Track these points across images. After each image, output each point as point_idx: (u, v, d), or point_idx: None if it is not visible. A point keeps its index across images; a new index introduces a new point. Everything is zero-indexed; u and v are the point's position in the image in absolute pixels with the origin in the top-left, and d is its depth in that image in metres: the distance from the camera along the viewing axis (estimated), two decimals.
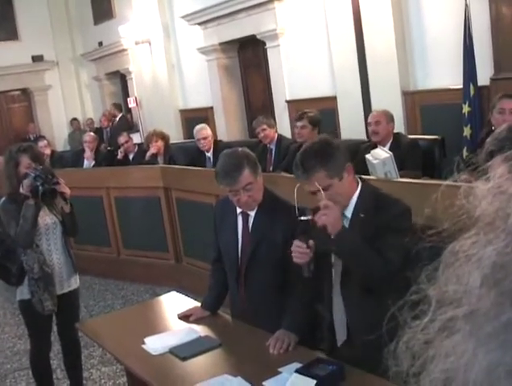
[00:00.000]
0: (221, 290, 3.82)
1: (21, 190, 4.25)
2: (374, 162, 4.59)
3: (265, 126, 7.26)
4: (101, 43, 15.04)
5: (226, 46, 10.96)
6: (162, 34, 12.30)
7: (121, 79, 15.30)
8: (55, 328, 4.65)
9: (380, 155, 4.63)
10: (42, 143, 9.00)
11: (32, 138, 13.81)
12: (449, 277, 0.62)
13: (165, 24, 12.27)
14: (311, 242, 3.02)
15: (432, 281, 0.64)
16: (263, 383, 2.82)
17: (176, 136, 11.52)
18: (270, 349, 3.15)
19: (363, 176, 3.34)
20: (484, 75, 6.47)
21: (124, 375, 4.46)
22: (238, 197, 3.44)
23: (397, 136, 5.81)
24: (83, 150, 8.97)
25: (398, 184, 4.33)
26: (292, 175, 5.64)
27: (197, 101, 12.01)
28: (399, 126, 6.66)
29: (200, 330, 3.53)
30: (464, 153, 6.29)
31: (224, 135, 10.53)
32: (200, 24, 10.98)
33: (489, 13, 6.39)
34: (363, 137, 7.23)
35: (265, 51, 10.03)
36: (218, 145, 7.62)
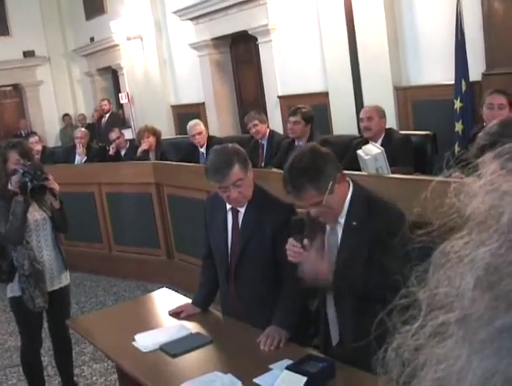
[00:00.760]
0: (212, 287, 3.81)
1: (9, 186, 4.23)
2: (366, 157, 4.58)
3: (256, 122, 7.24)
4: (92, 39, 15.00)
5: (218, 41, 10.94)
6: (153, 30, 12.28)
7: (113, 74, 15.27)
8: (46, 325, 4.64)
9: (371, 151, 4.62)
10: (33, 139, 8.96)
11: (23, 134, 13.76)
12: (440, 280, 0.60)
13: (157, 19, 12.25)
14: (305, 242, 3.01)
15: (422, 283, 0.62)
16: (254, 380, 2.81)
17: (168, 132, 11.50)
18: (261, 346, 3.14)
19: (355, 173, 3.32)
20: (476, 71, 6.47)
21: (115, 372, 4.45)
22: (228, 193, 3.43)
23: (389, 131, 5.80)
24: (74, 146, 8.93)
25: (390, 180, 4.33)
26: (283, 171, 5.65)
27: (189, 97, 11.99)
28: (391, 122, 6.66)
29: (190, 327, 3.52)
30: (456, 148, 6.29)
31: (216, 130, 10.51)
32: (191, 19, 10.95)
33: (480, 9, 6.39)
34: (355, 132, 7.23)
35: (257, 47, 10.01)
36: (212, 141, 7.59)
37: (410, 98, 7.62)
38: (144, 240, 7.42)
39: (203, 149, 7.60)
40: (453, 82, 6.53)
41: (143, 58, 12.64)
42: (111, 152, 8.66)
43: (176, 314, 3.72)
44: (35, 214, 4.39)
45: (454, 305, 0.57)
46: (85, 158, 8.77)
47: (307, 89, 9.01)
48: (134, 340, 3.38)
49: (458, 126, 6.37)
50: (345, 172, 3.18)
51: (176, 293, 4.16)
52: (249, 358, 3.07)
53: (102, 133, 12.50)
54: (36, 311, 4.35)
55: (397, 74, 7.69)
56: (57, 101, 16.35)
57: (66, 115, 15.72)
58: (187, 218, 6.71)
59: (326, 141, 6.34)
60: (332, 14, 8.05)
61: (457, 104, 6.41)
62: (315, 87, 8.91)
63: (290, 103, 8.70)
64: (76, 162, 8.74)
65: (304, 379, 2.74)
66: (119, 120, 13.71)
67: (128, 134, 10.56)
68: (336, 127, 8.37)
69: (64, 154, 9.32)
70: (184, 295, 4.22)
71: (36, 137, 9.31)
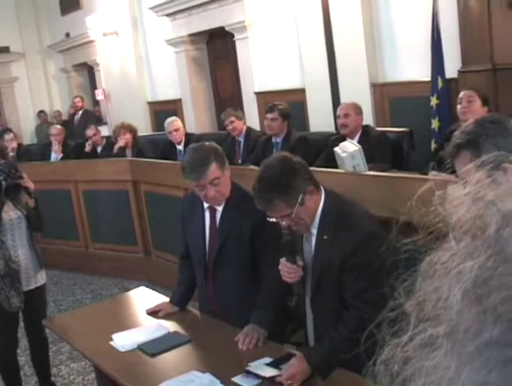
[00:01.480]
0: (190, 285, 3.80)
1: None
2: (343, 155, 4.59)
3: (233, 118, 7.24)
4: (68, 34, 14.86)
5: (195, 37, 10.89)
6: (130, 26, 12.19)
7: (89, 71, 15.13)
8: (22, 324, 4.60)
9: (348, 148, 4.63)
10: (8, 136, 8.89)
11: None
12: (427, 291, 0.59)
13: (133, 15, 12.15)
14: (300, 262, 3.02)
15: (410, 294, 0.61)
16: (233, 379, 2.81)
17: (145, 128, 11.44)
18: (239, 345, 3.14)
19: (332, 171, 3.31)
20: (452, 68, 6.50)
21: (93, 371, 4.42)
22: (205, 192, 3.42)
23: (366, 128, 5.82)
24: (50, 143, 8.87)
25: (367, 177, 4.34)
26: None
27: (166, 93, 11.93)
28: (368, 119, 6.67)
29: (168, 326, 3.51)
30: (432, 145, 6.33)
31: (192, 127, 10.47)
32: (168, 15, 10.89)
33: (456, 6, 6.41)
34: (332, 129, 7.24)
35: (234, 43, 9.98)
36: (189, 138, 7.57)
37: (387, 95, 7.65)
38: (121, 238, 7.38)
39: (180, 147, 7.57)
40: (430, 79, 6.56)
41: (119, 54, 12.55)
42: (87, 149, 8.61)
43: (154, 312, 3.71)
44: (10, 213, 4.35)
45: (442, 318, 0.57)
46: (61, 155, 8.71)
47: (284, 86, 9.00)
48: (111, 340, 3.37)
49: (434, 123, 6.40)
50: (322, 169, 3.18)
51: (154, 292, 4.14)
52: (227, 357, 3.07)
53: (75, 130, 12.41)
54: (12, 311, 4.31)
55: (374, 71, 7.71)
56: (32, 98, 16.18)
57: (41, 112, 15.57)
58: (164, 215, 6.69)
59: (303, 138, 6.36)
60: (309, 11, 8.05)
61: (434, 101, 6.44)
62: (292, 83, 8.91)
63: (267, 99, 8.70)
64: (52, 160, 8.67)
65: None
66: (93, 117, 13.59)
67: (104, 131, 10.50)
68: (312, 124, 8.38)
69: (39, 152, 9.25)
70: (162, 292, 4.21)
71: (11, 134, 9.23)
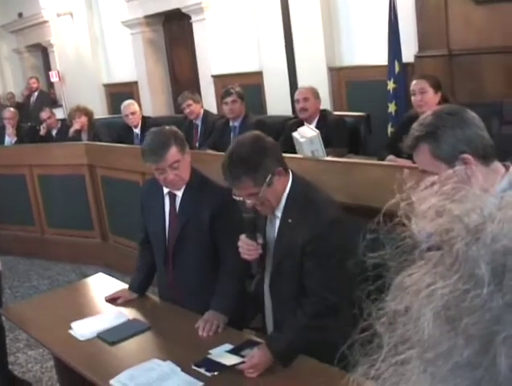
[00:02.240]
0: (149, 271, 3.79)
1: None
2: (301, 140, 4.59)
3: (190, 102, 7.21)
4: (20, 14, 14.54)
5: (151, 19, 10.76)
6: (84, 6, 11.96)
7: (43, 52, 14.87)
8: None
9: (307, 134, 4.64)
10: None
11: None
12: (398, 311, 0.59)
13: None
14: (260, 239, 3.02)
15: (380, 313, 0.61)
16: (193, 366, 2.81)
17: (101, 111, 11.31)
18: (200, 331, 3.15)
19: (290, 156, 3.31)
20: (408, 53, 6.53)
21: (51, 359, 4.38)
22: (165, 176, 3.41)
23: (324, 113, 5.85)
24: (3, 127, 8.69)
25: (325, 163, 4.36)
26: (218, 153, 5.65)
27: (122, 76, 11.79)
28: (325, 103, 6.69)
29: (128, 314, 3.49)
30: (389, 129, 6.37)
31: (149, 110, 10.39)
32: None
33: None
34: (289, 113, 7.26)
35: (190, 25, 9.89)
36: (146, 122, 7.52)
37: (344, 79, 7.67)
38: (78, 223, 7.30)
39: (137, 130, 7.51)
40: (386, 63, 6.60)
41: (74, 35, 12.34)
42: (42, 132, 8.48)
43: (113, 300, 3.69)
44: None
45: (413, 339, 0.57)
46: (15, 138, 8.55)
47: (241, 68, 8.97)
48: (70, 328, 3.34)
49: (391, 107, 6.44)
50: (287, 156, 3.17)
51: (112, 279, 4.11)
52: (188, 344, 3.07)
53: (31, 112, 12.20)
54: None
55: (331, 54, 7.72)
56: None
57: None
58: (121, 200, 6.64)
59: (261, 121, 6.36)
60: None
61: (390, 85, 6.48)
62: (249, 66, 8.88)
63: (224, 82, 8.65)
64: (6, 144, 8.52)
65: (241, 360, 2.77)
66: (48, 99, 13.38)
67: (59, 114, 10.35)
68: (270, 107, 8.37)
69: None
70: (119, 278, 4.19)
71: None
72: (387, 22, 6.48)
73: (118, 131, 7.75)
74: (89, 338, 3.22)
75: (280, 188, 2.98)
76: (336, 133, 5.54)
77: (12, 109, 9.21)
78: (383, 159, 4.70)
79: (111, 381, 2.75)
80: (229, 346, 2.95)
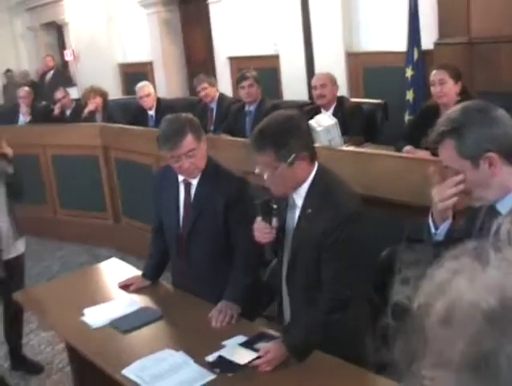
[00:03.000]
0: (162, 258, 3.76)
1: None
2: (318, 129, 4.54)
3: (206, 85, 7.15)
4: None
5: None
6: None
7: (58, 30, 14.82)
8: None
9: (324, 122, 4.59)
10: None
11: None
12: None
13: None
14: (274, 222, 2.98)
15: None
16: (206, 358, 2.78)
17: (114, 91, 11.26)
18: (213, 322, 3.12)
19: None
20: (428, 40, 6.45)
21: (63, 342, 4.37)
22: (180, 163, 3.36)
23: (341, 99, 5.78)
24: (18, 106, 8.66)
25: (342, 152, 4.30)
26: (233, 138, 5.60)
27: (137, 56, 11.75)
28: (342, 89, 6.62)
29: (140, 301, 3.47)
30: (406, 117, 6.31)
31: (163, 90, 10.34)
32: None
33: None
34: (305, 98, 7.19)
35: (207, 6, 9.82)
36: (160, 104, 7.47)
37: (362, 64, 7.60)
38: (90, 204, 7.28)
39: (151, 112, 7.46)
40: (405, 50, 6.52)
41: (89, 14, 12.29)
42: (56, 112, 8.43)
43: (126, 286, 3.66)
44: None
45: None
46: (30, 117, 8.52)
47: (257, 52, 8.90)
48: (83, 315, 3.32)
49: (409, 95, 6.37)
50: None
51: (126, 264, 4.08)
52: (200, 334, 3.04)
53: (46, 90, 12.15)
54: None
55: (348, 39, 7.65)
56: None
57: (8, 71, 15.24)
58: (134, 182, 6.62)
59: (277, 106, 6.29)
60: None
61: (409, 73, 6.41)
62: (265, 49, 8.81)
63: (239, 64, 8.60)
64: (20, 123, 8.48)
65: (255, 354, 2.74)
66: (64, 77, 13.35)
67: (73, 93, 10.29)
68: (285, 92, 8.31)
69: (7, 114, 9.02)
70: (131, 261, 4.16)
71: None
72: (407, 7, 6.40)
73: (133, 113, 7.69)
74: (101, 326, 3.20)
75: (300, 174, 2.91)
76: (352, 121, 5.48)
77: (27, 88, 9.15)
78: (400, 150, 4.63)
79: (123, 371, 2.73)
80: (241, 339, 2.92)
